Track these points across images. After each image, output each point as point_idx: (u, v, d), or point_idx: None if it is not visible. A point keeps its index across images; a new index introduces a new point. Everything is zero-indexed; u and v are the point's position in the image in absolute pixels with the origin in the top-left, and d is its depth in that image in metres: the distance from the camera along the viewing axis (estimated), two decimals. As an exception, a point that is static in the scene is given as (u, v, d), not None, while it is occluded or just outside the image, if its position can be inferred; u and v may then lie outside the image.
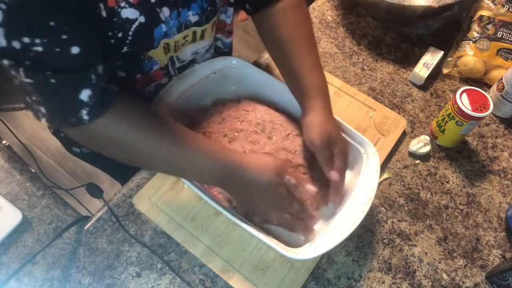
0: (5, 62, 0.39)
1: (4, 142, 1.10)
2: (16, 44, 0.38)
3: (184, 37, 0.60)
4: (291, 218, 0.57)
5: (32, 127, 1.86)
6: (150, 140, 0.50)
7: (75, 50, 0.41)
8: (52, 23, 0.38)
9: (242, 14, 2.19)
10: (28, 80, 0.41)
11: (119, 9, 0.47)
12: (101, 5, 0.45)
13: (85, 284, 0.60)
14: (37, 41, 0.38)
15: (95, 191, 0.64)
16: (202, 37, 0.63)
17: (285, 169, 0.57)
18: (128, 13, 0.48)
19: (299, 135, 0.65)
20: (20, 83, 0.41)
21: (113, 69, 0.56)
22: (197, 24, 0.59)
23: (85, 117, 0.45)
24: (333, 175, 0.58)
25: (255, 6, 0.62)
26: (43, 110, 0.44)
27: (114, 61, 0.52)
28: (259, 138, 0.63)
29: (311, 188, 0.59)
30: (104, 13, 0.46)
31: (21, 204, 0.66)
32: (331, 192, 0.61)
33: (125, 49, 0.52)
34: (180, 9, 0.55)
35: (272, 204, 0.56)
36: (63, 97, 0.44)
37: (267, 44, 0.65)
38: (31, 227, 0.64)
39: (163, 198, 0.65)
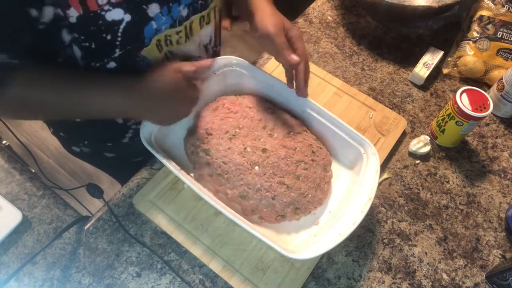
0: None
1: (4, 142, 1.10)
2: None
3: (178, 33, 0.60)
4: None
5: (32, 127, 1.86)
6: (45, 91, 0.51)
7: None
8: None
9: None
10: None
11: (102, 12, 0.47)
12: (71, 9, 0.45)
13: (85, 284, 0.60)
14: None
15: (95, 191, 0.64)
16: (191, 31, 0.62)
17: (179, 65, 0.57)
18: (113, 14, 0.48)
19: (300, 133, 0.65)
20: None
21: (107, 71, 0.56)
22: (187, 17, 0.59)
23: None
24: (293, 58, 0.58)
25: None
26: None
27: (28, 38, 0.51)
28: (260, 135, 0.63)
29: (207, 61, 0.60)
30: (73, 18, 0.46)
31: (21, 204, 0.66)
32: (296, 76, 0.61)
33: (117, 51, 0.52)
34: (171, 4, 0.54)
35: (183, 99, 0.58)
36: None
37: None
38: (31, 227, 0.64)
39: (163, 198, 0.65)
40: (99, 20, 0.47)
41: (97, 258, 0.62)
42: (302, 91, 0.62)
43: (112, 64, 0.55)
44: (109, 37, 0.49)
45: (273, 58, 0.85)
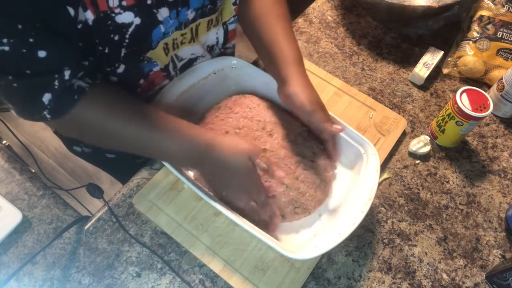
0: None
1: (4, 142, 1.10)
2: None
3: (182, 35, 0.59)
4: (256, 207, 0.58)
5: (32, 127, 1.86)
6: (118, 123, 0.51)
7: (41, 54, 0.42)
8: (20, 26, 0.40)
9: None
10: None
11: (112, 14, 0.46)
12: (87, 12, 0.44)
13: (85, 284, 0.60)
14: (5, 40, 0.40)
15: (96, 191, 0.64)
16: (196, 33, 0.62)
17: (257, 154, 0.58)
18: (123, 17, 0.48)
19: (300, 133, 0.65)
20: None
21: (117, 75, 0.56)
22: (193, 20, 0.59)
23: (47, 116, 0.47)
24: (336, 128, 0.60)
25: None
26: (10, 105, 0.47)
27: (95, 61, 0.52)
28: (260, 135, 0.63)
29: (280, 174, 0.61)
30: (90, 21, 0.45)
31: (21, 204, 0.66)
32: (330, 147, 0.64)
33: (123, 51, 0.52)
34: (180, 8, 0.54)
35: (241, 188, 0.58)
36: (25, 99, 0.46)
37: (244, 23, 0.67)
38: (31, 227, 0.64)
39: (163, 198, 0.65)
40: (108, 21, 0.47)
41: (97, 258, 0.62)
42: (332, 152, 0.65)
43: (121, 68, 0.55)
44: (116, 37, 0.49)
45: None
